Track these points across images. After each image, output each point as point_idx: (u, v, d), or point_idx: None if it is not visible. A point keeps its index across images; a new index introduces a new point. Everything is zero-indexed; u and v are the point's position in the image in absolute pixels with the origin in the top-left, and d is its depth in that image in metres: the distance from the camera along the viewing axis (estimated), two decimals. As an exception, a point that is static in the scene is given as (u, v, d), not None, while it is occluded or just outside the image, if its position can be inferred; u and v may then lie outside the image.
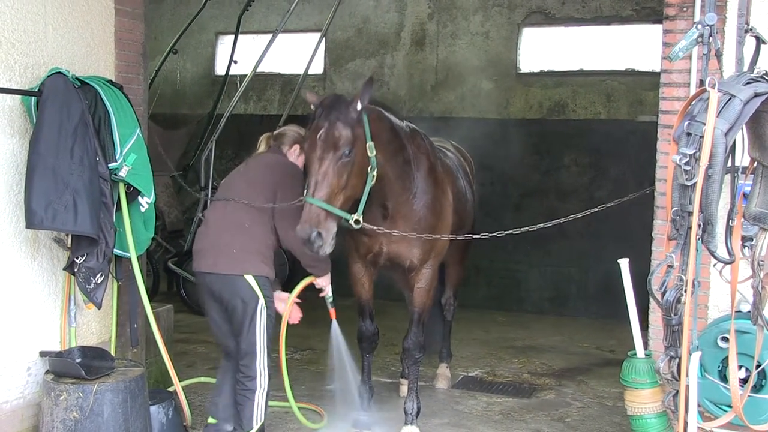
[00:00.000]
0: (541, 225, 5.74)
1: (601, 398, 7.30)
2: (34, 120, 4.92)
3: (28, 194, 4.77)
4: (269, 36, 10.12)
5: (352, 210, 5.18)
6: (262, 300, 5.11)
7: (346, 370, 5.98)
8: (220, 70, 12.42)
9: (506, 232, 5.76)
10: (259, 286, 5.10)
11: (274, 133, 5.65)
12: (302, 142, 5.25)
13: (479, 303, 10.54)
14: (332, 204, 4.90)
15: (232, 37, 11.01)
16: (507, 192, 10.74)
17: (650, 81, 10.32)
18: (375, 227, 5.41)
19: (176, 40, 10.47)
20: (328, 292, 5.71)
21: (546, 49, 10.90)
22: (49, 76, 4.95)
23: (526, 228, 5.77)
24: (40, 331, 5.30)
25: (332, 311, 5.87)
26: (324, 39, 10.79)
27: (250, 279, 5.07)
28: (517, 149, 10.50)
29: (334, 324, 5.87)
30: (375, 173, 5.18)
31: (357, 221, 5.19)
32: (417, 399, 5.97)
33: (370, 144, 5.12)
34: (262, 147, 5.65)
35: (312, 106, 5.19)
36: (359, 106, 5.07)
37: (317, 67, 11.64)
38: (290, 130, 5.62)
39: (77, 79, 5.07)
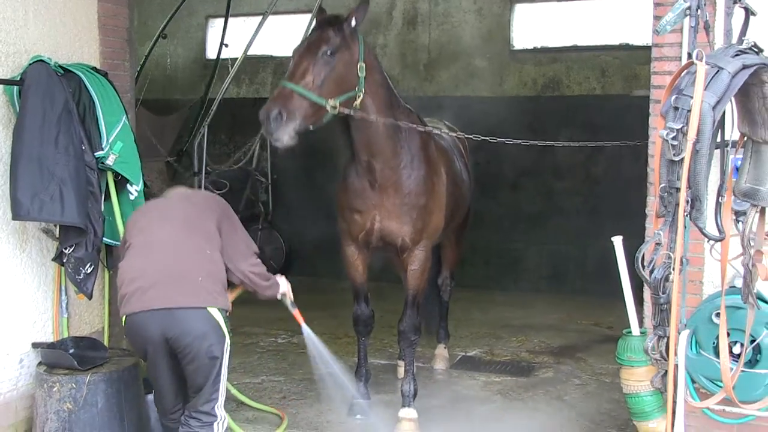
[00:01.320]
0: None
1: (600, 375, 7.28)
2: (17, 110, 4.87)
3: (13, 185, 4.73)
4: (260, 18, 10.03)
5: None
6: (228, 339, 4.35)
7: (334, 373, 5.65)
8: (211, 54, 12.31)
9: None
10: (225, 322, 4.33)
11: None
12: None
13: (477, 282, 10.49)
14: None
15: (221, 20, 10.91)
16: (502, 171, 10.66)
17: (645, 55, 10.17)
18: (365, 115, 5.35)
19: (165, 25, 10.38)
20: (289, 296, 5.09)
21: (539, 25, 10.79)
22: (30, 64, 4.90)
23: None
24: (32, 322, 5.27)
25: (296, 314, 5.24)
26: (314, 20, 10.66)
27: (215, 313, 4.24)
28: (512, 127, 10.34)
29: (305, 328, 5.32)
30: (361, 96, 5.21)
31: (334, 107, 5.03)
32: (414, 381, 5.94)
33: (361, 64, 5.18)
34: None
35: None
36: (353, 22, 5.18)
37: (309, 49, 11.52)
38: None
39: (60, 66, 5.01)
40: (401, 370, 6.58)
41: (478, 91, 10.83)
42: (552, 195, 10.63)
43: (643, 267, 3.42)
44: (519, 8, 10.85)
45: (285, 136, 4.77)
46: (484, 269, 10.85)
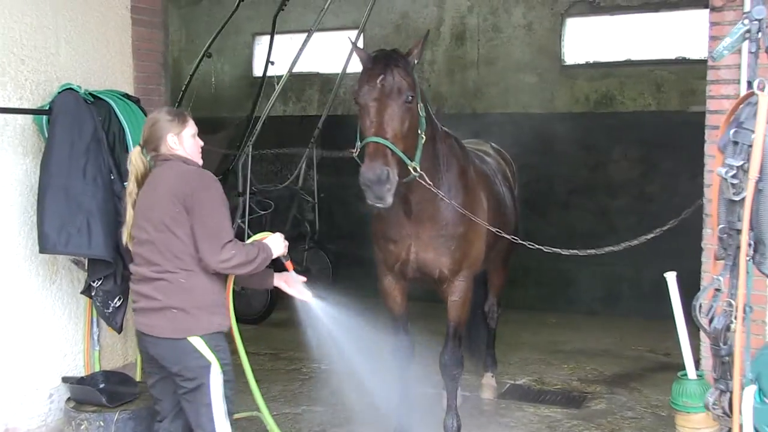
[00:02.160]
0: (609, 248, 5.45)
1: (656, 407, 6.92)
2: (45, 137, 4.75)
3: (40, 217, 4.62)
4: (306, 35, 9.90)
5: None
6: (215, 365, 3.98)
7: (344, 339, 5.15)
8: (257, 71, 12.21)
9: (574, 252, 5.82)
10: (211, 348, 3.98)
11: (141, 142, 4.25)
12: (356, 94, 4.81)
13: (528, 304, 10.19)
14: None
15: (268, 37, 10.79)
16: (554, 189, 10.35)
17: (702, 69, 9.63)
18: (431, 185, 5.03)
19: (210, 43, 10.29)
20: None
21: (591, 39, 10.44)
22: (59, 93, 4.78)
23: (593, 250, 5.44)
24: (63, 355, 5.14)
25: (288, 264, 4.61)
26: (362, 36, 10.51)
27: (197, 342, 3.97)
28: (563, 144, 10.10)
29: (293, 272, 4.70)
30: (425, 135, 4.95)
31: (415, 169, 4.82)
32: (457, 416, 5.70)
33: (421, 104, 4.92)
34: (137, 169, 4.21)
35: (360, 59, 5.03)
36: (416, 60, 4.96)
37: (356, 66, 11.33)
38: (155, 119, 4.20)
39: (90, 94, 4.88)
40: (445, 402, 6.33)
41: (528, 107, 10.53)
42: (605, 213, 10.27)
43: (699, 313, 3.12)
44: (570, 22, 10.51)
45: (390, 197, 4.56)
46: (535, 290, 10.52)
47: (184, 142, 4.13)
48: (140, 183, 4.13)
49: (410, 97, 4.73)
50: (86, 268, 4.98)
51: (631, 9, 10.14)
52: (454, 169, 5.46)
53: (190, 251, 3.96)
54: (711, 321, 3.06)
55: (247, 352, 4.75)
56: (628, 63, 10.23)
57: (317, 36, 10.10)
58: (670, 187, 9.80)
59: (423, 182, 4.92)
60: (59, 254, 4.84)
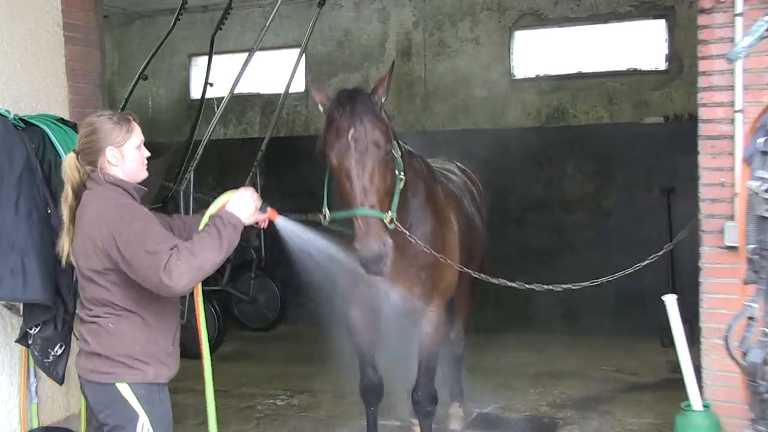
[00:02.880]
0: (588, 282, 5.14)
1: (631, 431, 6.63)
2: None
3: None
4: (246, 55, 9.47)
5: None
6: (143, 418, 3.53)
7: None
8: (195, 93, 11.72)
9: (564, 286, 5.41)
10: (139, 399, 3.53)
11: (76, 149, 3.65)
12: (325, 149, 4.34)
13: (487, 326, 9.84)
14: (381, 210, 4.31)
15: (205, 58, 10.33)
16: (508, 206, 10.05)
17: (654, 80, 9.72)
18: (407, 233, 4.70)
19: (146, 65, 9.78)
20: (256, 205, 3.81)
21: (541, 52, 10.23)
22: (-16, 119, 4.28)
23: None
24: (-4, 411, 4.60)
25: (270, 212, 4.00)
26: (304, 55, 10.13)
27: (124, 389, 3.53)
28: (516, 160, 9.83)
29: (279, 220, 4.09)
30: (403, 176, 4.59)
31: (392, 220, 4.42)
32: (432, 452, 5.31)
33: (394, 143, 4.53)
34: (73, 179, 3.65)
35: (320, 106, 4.53)
36: (384, 97, 4.48)
37: (298, 85, 10.96)
38: (94, 126, 3.60)
39: (21, 119, 4.39)
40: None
41: (479, 123, 10.26)
42: (561, 229, 10.03)
43: (731, 344, 2.78)
44: (519, 35, 10.29)
45: (388, 266, 4.28)
46: (493, 311, 10.18)
47: (126, 156, 3.58)
48: (77, 193, 3.60)
49: (388, 148, 4.34)
50: (21, 313, 4.45)
51: (580, 20, 9.96)
52: (421, 193, 5.07)
53: (117, 297, 3.49)
54: (745, 354, 2.72)
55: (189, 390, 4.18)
56: (579, 75, 10.06)
57: (257, 55, 9.67)
58: (625, 200, 9.63)
59: (400, 229, 4.56)
60: (-10, 299, 4.32)
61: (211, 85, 10.25)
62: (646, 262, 4.81)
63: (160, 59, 10.66)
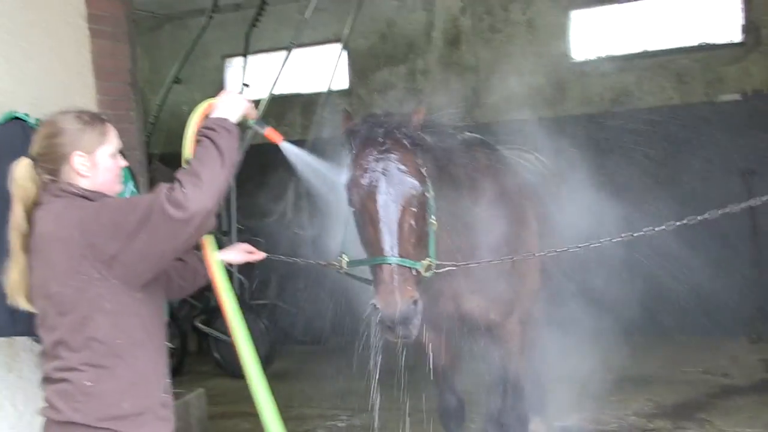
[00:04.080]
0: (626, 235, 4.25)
1: (737, 442, 5.95)
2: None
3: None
4: (283, 54, 8.89)
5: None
6: None
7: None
8: (231, 97, 11.19)
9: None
10: None
11: (32, 153, 2.88)
12: (347, 188, 3.63)
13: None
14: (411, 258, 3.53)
15: (241, 59, 9.80)
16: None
17: (729, 54, 8.95)
18: (454, 266, 3.88)
19: (179, 68, 9.28)
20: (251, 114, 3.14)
21: (601, 31, 9.50)
22: (1, 124, 3.68)
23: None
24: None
25: (270, 132, 3.50)
26: (346, 49, 9.53)
27: None
28: (578, 148, 9.11)
29: (284, 146, 3.58)
30: (434, 220, 3.76)
31: (430, 267, 3.68)
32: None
33: (426, 179, 3.72)
34: (25, 193, 2.86)
35: (346, 134, 3.77)
36: (417, 128, 3.70)
37: (341, 82, 10.36)
38: (57, 127, 2.85)
39: (42, 123, 3.78)
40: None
41: (536, 111, 9.51)
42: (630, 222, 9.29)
43: None
44: (575, 15, 9.58)
45: (417, 330, 3.47)
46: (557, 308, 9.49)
47: (99, 165, 2.83)
48: (30, 211, 2.81)
49: (418, 185, 3.60)
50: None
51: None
52: (489, 191, 4.36)
53: (101, 329, 2.69)
54: None
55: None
56: (645, 54, 9.44)
57: (296, 53, 9.09)
58: (701, 187, 8.88)
59: (450, 268, 3.84)
60: (8, 336, 3.71)
61: (247, 86, 9.73)
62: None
63: (193, 63, 10.19)
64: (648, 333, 9.04)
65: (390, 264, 3.41)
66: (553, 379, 7.45)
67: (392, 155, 3.58)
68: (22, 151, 3.28)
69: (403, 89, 10.27)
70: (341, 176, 3.67)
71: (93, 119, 2.88)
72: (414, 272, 3.49)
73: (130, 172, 4.00)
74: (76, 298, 2.67)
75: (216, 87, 11.47)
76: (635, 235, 4.00)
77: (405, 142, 3.65)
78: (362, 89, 10.53)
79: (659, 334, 9.00)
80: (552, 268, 5.10)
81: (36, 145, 2.84)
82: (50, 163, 2.79)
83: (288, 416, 7.30)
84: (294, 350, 9.80)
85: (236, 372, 9.92)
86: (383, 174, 3.55)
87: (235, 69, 11.15)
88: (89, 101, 4.42)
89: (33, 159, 2.83)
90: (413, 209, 3.58)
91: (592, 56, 9.61)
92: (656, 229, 3.95)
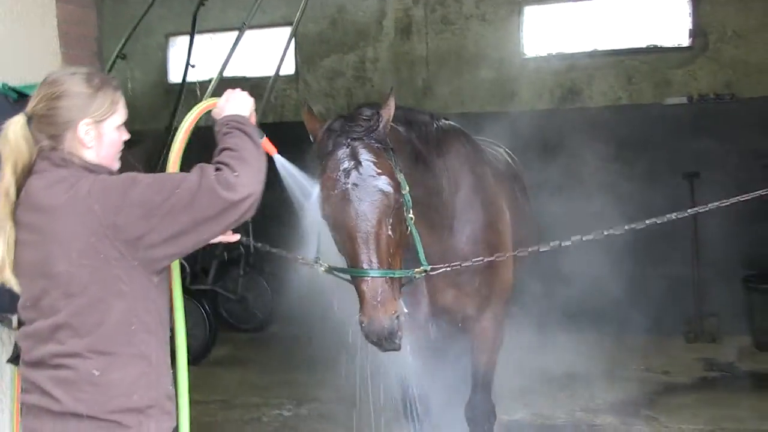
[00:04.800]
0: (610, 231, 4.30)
1: (685, 440, 6.04)
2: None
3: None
4: (227, 35, 8.70)
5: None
6: None
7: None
8: (174, 77, 10.88)
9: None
10: None
11: (29, 112, 2.63)
12: (319, 202, 3.49)
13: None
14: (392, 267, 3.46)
15: (184, 38, 9.57)
16: (519, 193, 9.39)
17: (677, 57, 9.08)
18: (451, 266, 3.90)
19: (123, 44, 8.94)
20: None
21: (553, 29, 9.54)
22: (-32, 88, 3.46)
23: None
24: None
25: (265, 142, 3.07)
26: (295, 34, 9.36)
27: None
28: (527, 144, 9.13)
29: (278, 158, 3.31)
30: (411, 215, 3.68)
31: (424, 271, 3.69)
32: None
33: (400, 176, 3.61)
34: (19, 155, 2.60)
35: (311, 137, 3.70)
36: (387, 126, 3.59)
37: (288, 67, 10.16)
38: (63, 87, 2.61)
39: (13, 90, 3.58)
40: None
41: (486, 106, 9.53)
42: (579, 220, 9.32)
43: None
44: (528, 11, 9.58)
45: (402, 340, 3.43)
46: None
47: (105, 137, 2.63)
48: (21, 178, 2.57)
49: (394, 192, 3.48)
50: (15, 325, 3.63)
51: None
52: (467, 182, 4.32)
53: (124, 323, 2.52)
54: None
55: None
56: (595, 54, 9.41)
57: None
58: (646, 187, 8.99)
59: (439, 271, 3.83)
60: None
61: (193, 66, 9.48)
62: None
63: (134, 40, 9.82)
64: (584, 331, 9.14)
65: (370, 277, 3.34)
66: (502, 372, 7.50)
67: (364, 162, 3.44)
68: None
69: (352, 77, 10.14)
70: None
71: (103, 84, 2.66)
72: (393, 282, 3.41)
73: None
74: (89, 279, 2.48)
75: (158, 66, 11.18)
76: (617, 232, 4.04)
77: (377, 146, 3.51)
78: (309, 75, 10.36)
79: (597, 332, 9.08)
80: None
81: (36, 104, 2.60)
82: (52, 127, 2.57)
83: (233, 404, 7.24)
84: (234, 337, 9.61)
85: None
86: (356, 185, 3.41)
87: (177, 48, 10.85)
88: (54, 68, 4.17)
89: (29, 119, 2.59)
90: (390, 218, 3.46)
91: (543, 53, 9.62)
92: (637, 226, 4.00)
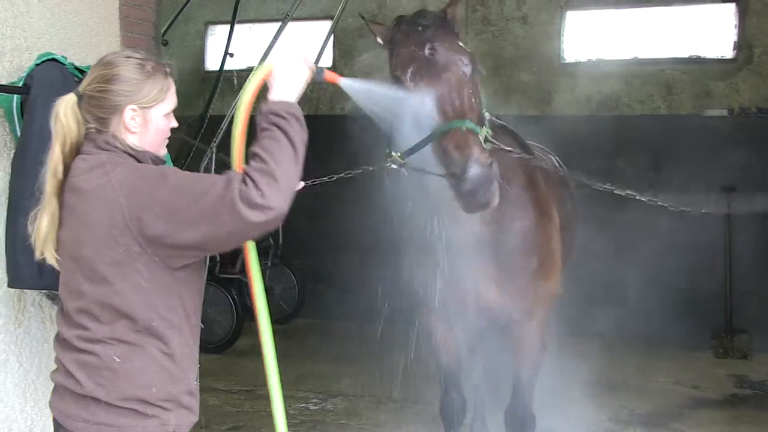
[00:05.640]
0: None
1: (710, 453, 5.99)
2: (17, 129, 3.42)
3: (10, 237, 3.28)
4: (266, 26, 8.69)
5: None
6: None
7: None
8: (211, 64, 10.90)
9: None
10: None
11: (80, 91, 2.60)
12: (398, 78, 3.46)
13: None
14: None
15: (223, 27, 9.59)
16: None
17: (719, 69, 9.02)
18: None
19: (166, 30, 8.92)
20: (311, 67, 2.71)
21: (594, 34, 9.48)
22: (37, 65, 3.45)
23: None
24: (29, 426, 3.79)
25: (328, 75, 2.93)
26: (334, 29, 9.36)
27: None
28: (562, 150, 9.07)
29: (343, 81, 3.03)
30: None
31: (487, 139, 3.50)
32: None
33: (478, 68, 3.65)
34: (69, 134, 2.57)
35: (379, 38, 3.83)
36: (457, 18, 3.77)
37: (325, 60, 10.14)
38: (115, 70, 2.57)
39: (77, 69, 3.57)
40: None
41: (523, 109, 9.42)
42: (609, 230, 9.30)
43: None
44: (570, 16, 9.54)
45: (496, 200, 3.34)
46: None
47: (151, 123, 2.59)
48: (69, 156, 2.54)
49: (474, 65, 3.53)
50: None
51: (640, 2, 9.28)
52: (519, 178, 4.17)
53: (137, 306, 2.48)
54: None
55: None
56: (635, 62, 9.35)
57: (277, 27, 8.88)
58: (681, 199, 8.92)
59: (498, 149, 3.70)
60: (32, 289, 3.51)
61: (232, 55, 9.47)
62: None
63: (173, 27, 9.84)
64: (618, 341, 9.08)
65: (461, 128, 3.27)
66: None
67: (440, 34, 3.51)
68: (62, 91, 3.08)
69: (389, 74, 10.11)
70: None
71: (156, 71, 2.59)
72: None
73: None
74: (109, 270, 2.44)
75: (195, 54, 11.20)
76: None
77: (449, 26, 3.62)
78: (346, 69, 10.33)
79: (628, 342, 9.03)
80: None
81: (88, 85, 2.56)
82: (99, 109, 2.54)
83: (257, 395, 7.23)
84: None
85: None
86: (433, 50, 3.45)
87: (216, 37, 10.86)
88: (114, 49, 4.19)
89: (80, 98, 2.56)
90: (471, 82, 3.47)
91: (583, 58, 9.57)
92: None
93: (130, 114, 2.53)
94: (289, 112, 2.47)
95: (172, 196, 2.37)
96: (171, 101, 2.64)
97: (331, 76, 2.92)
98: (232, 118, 2.83)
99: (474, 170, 3.18)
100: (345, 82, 3.04)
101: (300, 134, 2.44)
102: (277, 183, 2.32)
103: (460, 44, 3.57)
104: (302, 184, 2.72)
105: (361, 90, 3.21)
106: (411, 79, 3.43)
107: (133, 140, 2.56)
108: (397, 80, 3.49)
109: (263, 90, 2.66)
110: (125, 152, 2.53)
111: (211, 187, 2.34)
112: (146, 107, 2.56)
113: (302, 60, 2.64)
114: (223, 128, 8.38)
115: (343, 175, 4.69)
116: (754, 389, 7.67)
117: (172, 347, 2.53)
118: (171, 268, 2.49)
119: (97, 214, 2.43)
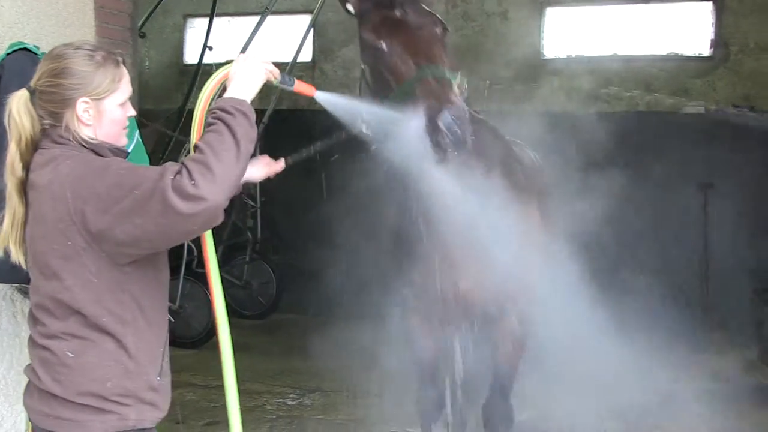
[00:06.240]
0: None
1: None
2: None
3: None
4: (245, 19, 8.66)
5: None
6: None
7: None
8: (190, 58, 10.84)
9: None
10: None
11: (32, 86, 2.57)
12: (368, 37, 3.53)
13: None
14: None
15: (202, 20, 9.54)
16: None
17: (696, 67, 9.08)
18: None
19: (143, 22, 8.87)
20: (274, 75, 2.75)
21: (574, 31, 9.54)
22: (9, 53, 3.41)
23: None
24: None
25: (301, 87, 2.94)
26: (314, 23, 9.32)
27: None
28: (541, 146, 9.10)
29: (318, 94, 3.02)
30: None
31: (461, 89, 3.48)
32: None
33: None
34: (23, 131, 2.54)
35: (350, 6, 3.78)
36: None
37: (304, 54, 10.11)
38: (65, 62, 2.51)
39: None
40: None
41: (502, 105, 9.46)
42: (586, 224, 9.34)
43: None
44: (550, 12, 9.57)
45: (469, 141, 3.27)
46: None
47: (106, 114, 2.52)
48: (26, 153, 2.52)
49: (442, 26, 3.66)
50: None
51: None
52: (498, 169, 4.14)
53: (85, 302, 2.44)
54: None
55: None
56: (614, 58, 9.38)
57: (255, 21, 8.85)
58: (659, 195, 8.97)
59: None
60: (3, 282, 3.47)
61: (211, 49, 9.41)
62: None
63: (151, 19, 9.77)
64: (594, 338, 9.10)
65: (433, 76, 3.29)
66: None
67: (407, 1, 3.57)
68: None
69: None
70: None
71: (106, 60, 2.53)
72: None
73: (136, 121, 3.76)
74: (60, 265, 2.43)
75: (174, 47, 11.13)
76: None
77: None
78: (326, 64, 10.32)
79: (606, 339, 9.05)
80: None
81: (39, 79, 2.52)
82: (51, 104, 2.49)
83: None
84: (237, 323, 9.55)
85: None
86: (403, 8, 3.53)
87: (195, 30, 10.81)
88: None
89: (32, 93, 2.53)
90: (441, 41, 3.55)
91: (563, 55, 9.60)
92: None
93: (82, 107, 2.48)
94: (237, 108, 2.42)
95: (110, 188, 2.33)
96: (125, 90, 2.58)
97: (304, 88, 2.90)
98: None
99: (452, 108, 3.17)
100: (321, 96, 3.01)
101: (245, 129, 2.38)
102: (213, 174, 2.26)
103: (425, 7, 3.64)
104: (282, 162, 2.72)
105: (339, 104, 3.18)
106: (379, 38, 3.47)
107: (88, 133, 2.51)
108: (367, 42, 3.53)
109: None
110: (82, 145, 2.49)
111: (145, 179, 2.30)
112: (99, 98, 2.50)
113: (260, 62, 2.63)
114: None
115: (322, 144, 4.50)
116: (728, 383, 7.73)
117: (125, 343, 2.49)
118: (119, 265, 2.45)
119: (48, 208, 2.42)
